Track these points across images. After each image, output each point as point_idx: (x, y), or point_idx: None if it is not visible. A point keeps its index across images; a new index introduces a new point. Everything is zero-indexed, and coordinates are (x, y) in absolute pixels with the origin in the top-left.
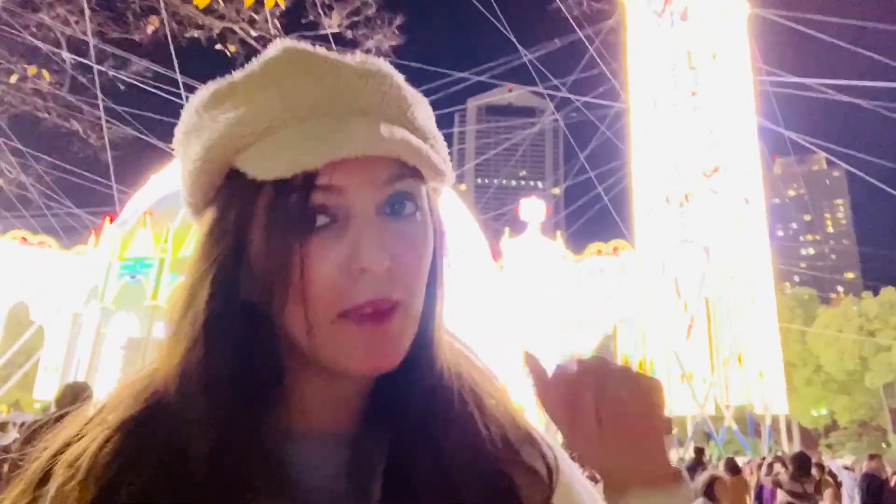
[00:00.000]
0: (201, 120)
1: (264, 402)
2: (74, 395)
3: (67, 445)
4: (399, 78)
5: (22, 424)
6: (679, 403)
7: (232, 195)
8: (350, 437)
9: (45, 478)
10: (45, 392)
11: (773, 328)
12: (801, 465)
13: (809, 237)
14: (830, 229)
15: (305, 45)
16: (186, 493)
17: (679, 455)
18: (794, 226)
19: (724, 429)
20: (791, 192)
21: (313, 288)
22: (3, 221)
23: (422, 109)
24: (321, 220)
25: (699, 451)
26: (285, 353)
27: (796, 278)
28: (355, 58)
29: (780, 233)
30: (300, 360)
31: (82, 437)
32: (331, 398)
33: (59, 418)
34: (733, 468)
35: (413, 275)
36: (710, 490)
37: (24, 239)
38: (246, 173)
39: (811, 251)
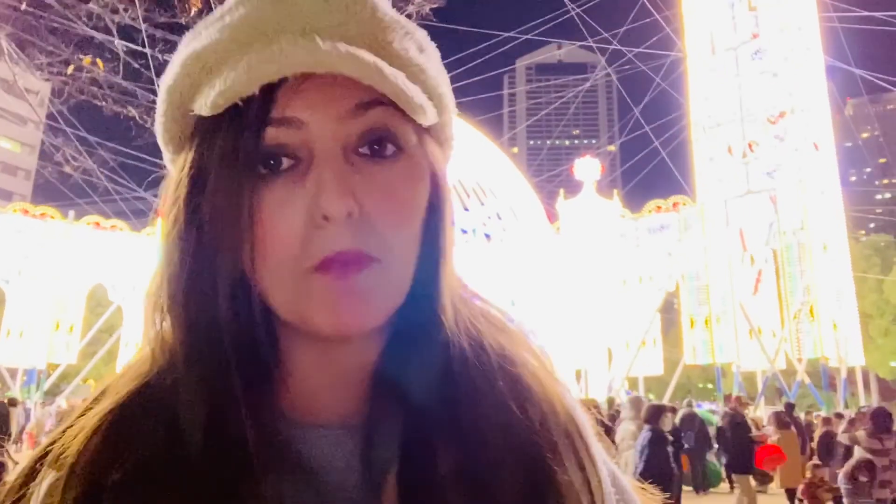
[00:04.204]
0: (172, 66)
1: (257, 375)
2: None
3: (56, 441)
4: (378, 1)
5: None
6: (748, 359)
7: (190, 141)
8: (358, 427)
9: (33, 474)
10: None
11: (847, 278)
12: (881, 421)
13: (885, 181)
14: None
15: None
16: (184, 469)
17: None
18: (869, 169)
19: (796, 383)
20: (864, 135)
21: (275, 237)
22: (75, 208)
23: (403, 36)
24: (286, 162)
25: (789, 407)
26: (277, 325)
27: (872, 225)
28: None
29: (854, 178)
30: (292, 333)
31: (73, 426)
32: (332, 378)
33: None
34: (781, 423)
35: (390, 227)
36: None
37: (98, 224)
38: (199, 114)
39: (887, 195)
